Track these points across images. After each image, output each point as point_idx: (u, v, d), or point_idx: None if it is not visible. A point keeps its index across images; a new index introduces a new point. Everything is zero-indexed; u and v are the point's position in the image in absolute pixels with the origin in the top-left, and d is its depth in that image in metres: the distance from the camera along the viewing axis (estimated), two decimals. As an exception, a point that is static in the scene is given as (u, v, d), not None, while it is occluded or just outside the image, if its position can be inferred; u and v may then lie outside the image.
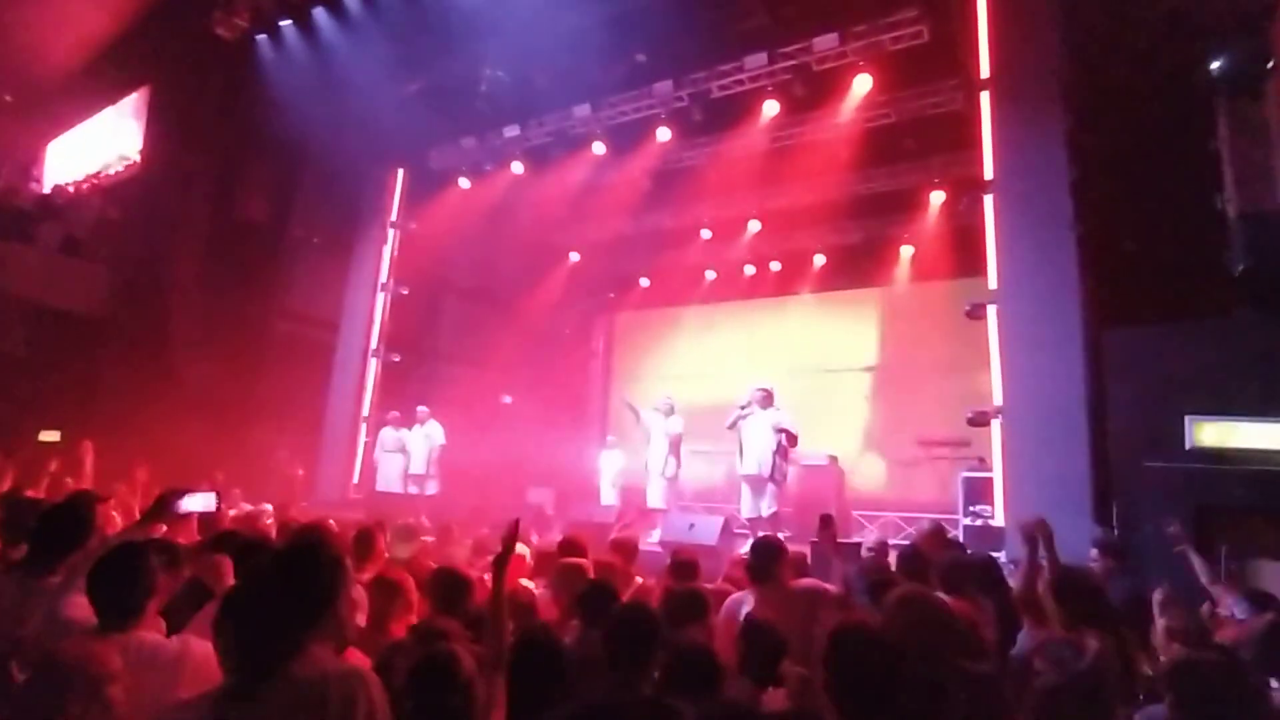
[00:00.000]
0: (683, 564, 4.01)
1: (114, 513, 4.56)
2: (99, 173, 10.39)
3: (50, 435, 10.02)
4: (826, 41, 8.67)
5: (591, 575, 3.54)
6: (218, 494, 3.03)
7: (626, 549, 4.58)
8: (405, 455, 10.08)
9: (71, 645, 1.84)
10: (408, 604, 2.94)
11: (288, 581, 1.72)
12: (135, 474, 7.93)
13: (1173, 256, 5.92)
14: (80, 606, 2.32)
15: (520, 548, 4.73)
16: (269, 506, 6.39)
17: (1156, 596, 3.82)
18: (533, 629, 2.53)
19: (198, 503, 2.91)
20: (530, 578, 4.41)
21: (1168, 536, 3.89)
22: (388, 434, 10.27)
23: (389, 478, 10.20)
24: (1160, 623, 3.46)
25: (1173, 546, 3.96)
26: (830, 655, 1.78)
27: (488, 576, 3.74)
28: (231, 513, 5.89)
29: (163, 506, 2.88)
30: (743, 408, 7.79)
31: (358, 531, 3.97)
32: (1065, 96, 6.51)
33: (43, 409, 9.65)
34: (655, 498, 8.73)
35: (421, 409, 10.28)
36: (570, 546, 4.26)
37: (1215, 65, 6.00)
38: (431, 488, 10.04)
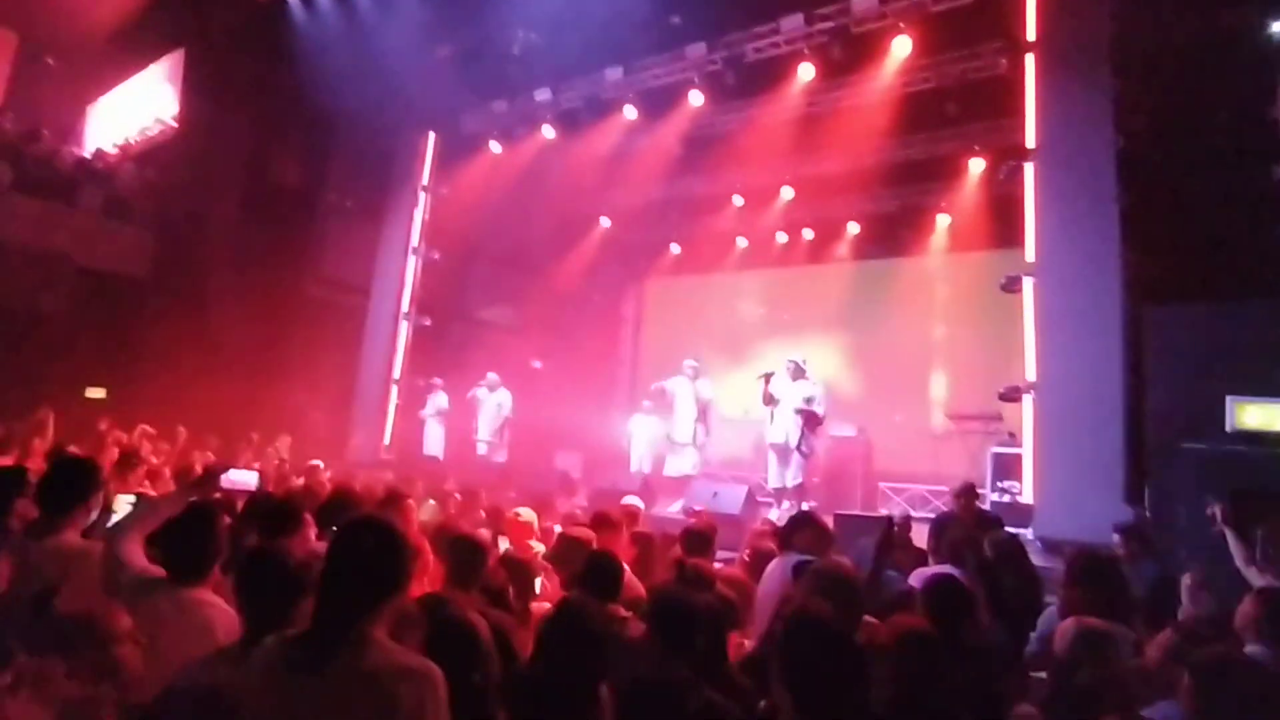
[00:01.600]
0: (695, 535, 3.95)
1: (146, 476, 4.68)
2: (137, 136, 10.54)
3: (96, 392, 10.33)
4: (866, 2, 8.39)
5: (593, 549, 3.53)
6: (261, 473, 3.07)
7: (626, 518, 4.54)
8: (442, 420, 10.47)
9: (82, 605, 1.87)
10: (425, 571, 2.99)
11: (367, 558, 1.68)
12: (177, 433, 8.20)
13: (1222, 231, 5.68)
14: (135, 553, 2.43)
15: (527, 512, 4.77)
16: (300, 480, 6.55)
17: (1186, 581, 3.75)
18: (574, 603, 2.56)
19: (241, 479, 2.97)
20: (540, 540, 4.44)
21: (1208, 517, 3.79)
22: (441, 398, 10.63)
23: (434, 442, 10.62)
24: (1184, 611, 3.40)
25: (1209, 527, 3.87)
26: (785, 644, 1.75)
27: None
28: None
29: (206, 480, 2.96)
30: (767, 380, 7.73)
31: (385, 495, 4.03)
32: (1114, 61, 6.24)
33: (86, 367, 9.93)
34: (681, 467, 8.69)
35: (492, 375, 10.56)
36: (601, 521, 4.22)
37: (1277, 29, 5.68)
38: (500, 455, 10.32)
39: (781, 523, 7.22)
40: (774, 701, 1.73)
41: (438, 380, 11.13)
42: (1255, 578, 3.50)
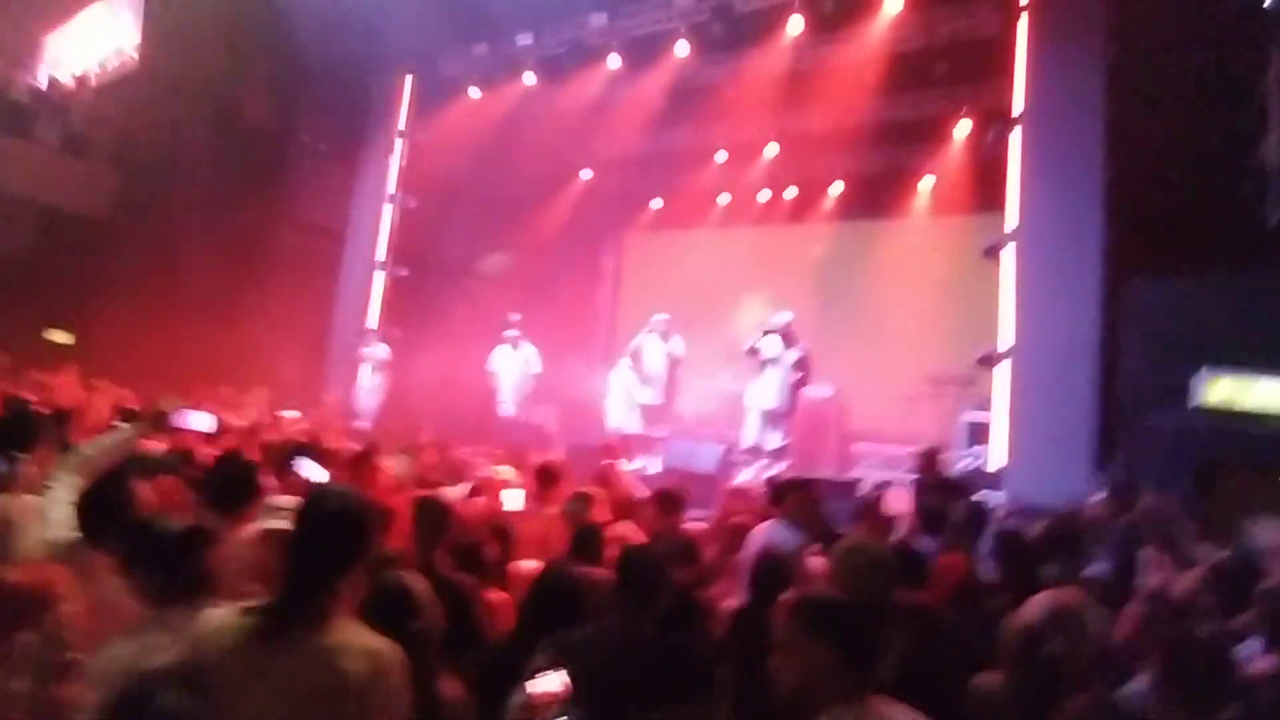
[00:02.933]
0: (668, 497, 3.94)
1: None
2: (96, 67, 10.05)
3: (60, 335, 10.07)
4: (859, -47, 8.17)
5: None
6: (218, 418, 2.98)
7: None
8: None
9: (18, 572, 1.82)
10: (399, 529, 2.96)
11: (331, 529, 1.64)
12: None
13: (1204, 205, 5.67)
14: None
15: (506, 470, 4.73)
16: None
17: (1144, 556, 3.82)
18: (556, 566, 2.52)
19: (197, 421, 2.88)
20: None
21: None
22: (380, 349, 10.46)
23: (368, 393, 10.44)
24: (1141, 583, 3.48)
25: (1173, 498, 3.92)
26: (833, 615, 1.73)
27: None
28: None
29: (156, 418, 2.87)
30: (765, 332, 7.72)
31: (358, 453, 3.97)
32: (1110, 26, 6.13)
33: (48, 310, 9.63)
34: (653, 426, 8.60)
35: (512, 331, 10.07)
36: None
37: (1272, 2, 5.59)
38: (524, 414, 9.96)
39: (759, 483, 7.30)
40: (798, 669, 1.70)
41: (371, 329, 10.91)
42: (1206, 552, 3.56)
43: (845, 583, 2.28)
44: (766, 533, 3.48)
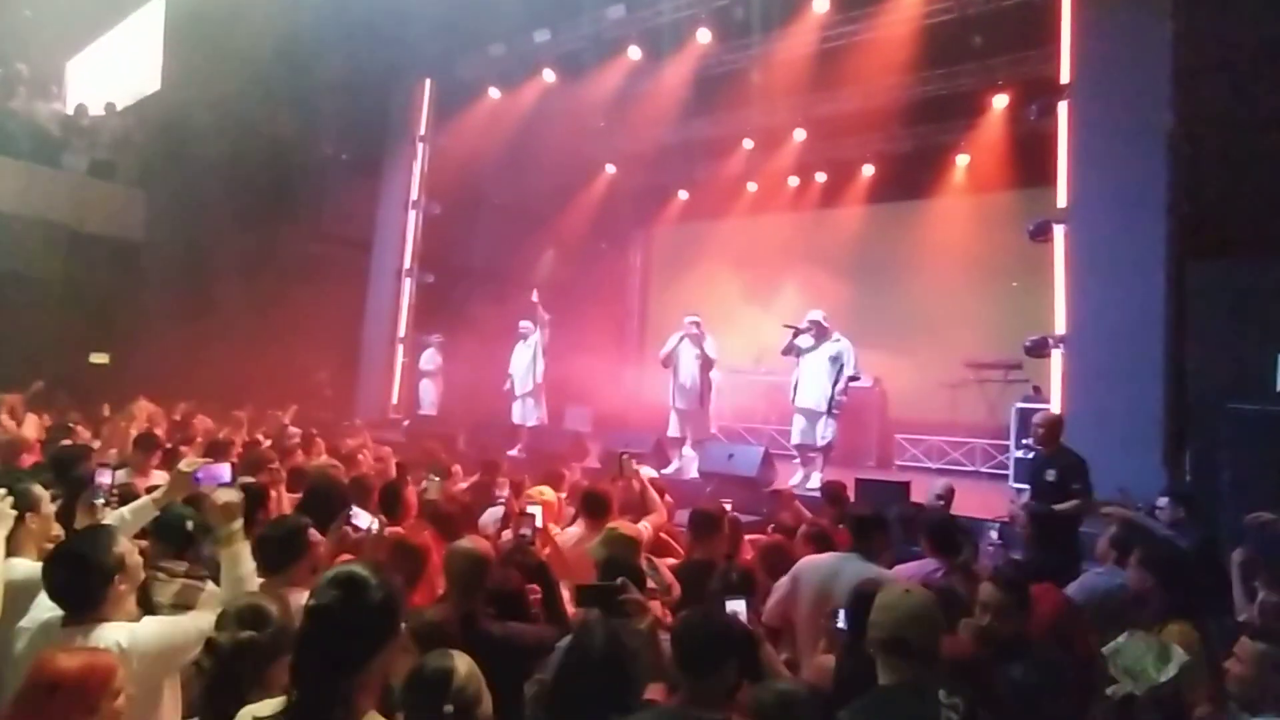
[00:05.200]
0: (704, 518, 3.66)
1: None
2: (120, 91, 10.10)
3: (100, 358, 10.18)
4: (886, -74, 7.82)
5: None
6: (233, 466, 2.85)
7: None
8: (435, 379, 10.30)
9: (72, 658, 1.64)
10: (427, 575, 2.81)
11: (346, 621, 1.45)
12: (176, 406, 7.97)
13: (1276, 181, 5.26)
14: None
15: (547, 492, 4.47)
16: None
17: (1236, 557, 3.54)
18: (593, 624, 2.32)
19: (214, 475, 2.75)
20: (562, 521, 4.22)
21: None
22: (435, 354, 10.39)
23: (427, 400, 10.29)
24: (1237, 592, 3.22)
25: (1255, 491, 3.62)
26: None
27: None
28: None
29: (179, 481, 2.75)
30: (795, 334, 7.40)
31: (384, 486, 3.83)
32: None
33: (82, 334, 9.71)
34: (688, 427, 8.18)
35: (525, 324, 9.52)
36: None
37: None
38: (534, 414, 9.50)
39: (808, 484, 7.02)
40: None
41: (433, 336, 10.83)
42: None
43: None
44: (839, 565, 3.21)
